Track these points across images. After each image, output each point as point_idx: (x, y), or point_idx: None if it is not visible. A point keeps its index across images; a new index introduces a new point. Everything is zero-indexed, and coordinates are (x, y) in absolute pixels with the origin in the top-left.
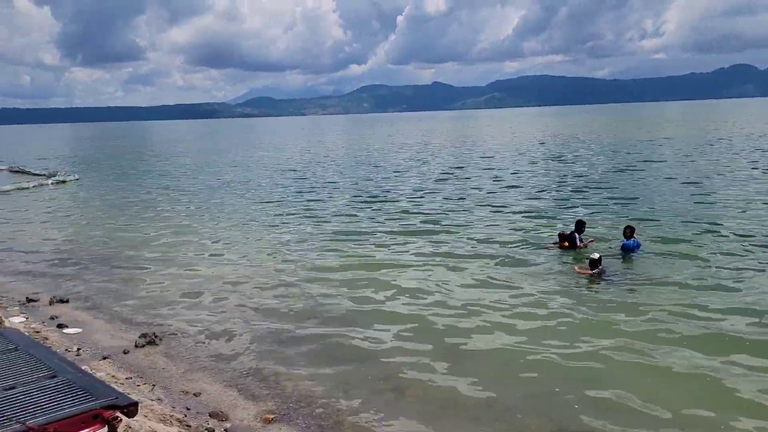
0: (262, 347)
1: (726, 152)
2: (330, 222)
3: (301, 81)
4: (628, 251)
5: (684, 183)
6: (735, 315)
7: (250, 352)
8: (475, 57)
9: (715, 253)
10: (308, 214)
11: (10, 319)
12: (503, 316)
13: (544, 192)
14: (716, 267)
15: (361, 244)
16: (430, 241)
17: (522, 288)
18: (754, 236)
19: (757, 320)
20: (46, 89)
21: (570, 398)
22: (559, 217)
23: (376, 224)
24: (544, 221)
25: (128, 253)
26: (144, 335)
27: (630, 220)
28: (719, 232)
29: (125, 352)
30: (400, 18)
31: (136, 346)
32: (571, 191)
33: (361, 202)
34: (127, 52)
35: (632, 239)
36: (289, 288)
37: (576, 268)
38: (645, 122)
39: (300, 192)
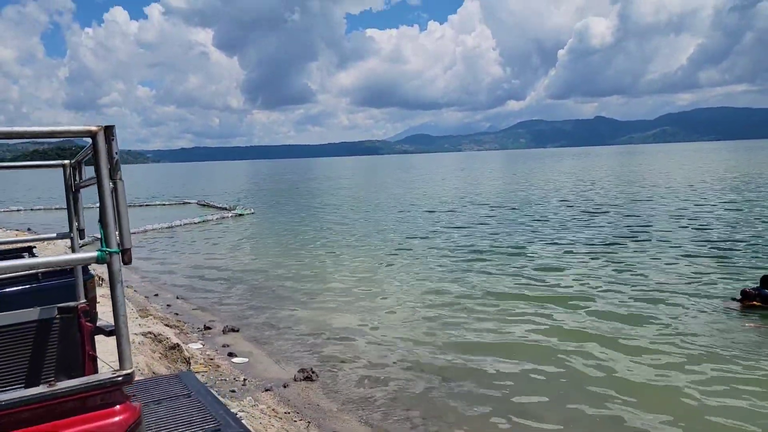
0: (414, 394)
1: None
2: (491, 259)
3: (458, 118)
4: None
5: None
6: None
7: (401, 397)
8: (643, 89)
9: None
10: (461, 256)
11: (189, 345)
12: (670, 387)
13: (720, 240)
14: None
15: (524, 287)
16: (589, 288)
17: (693, 352)
18: None
19: None
20: (231, 130)
21: None
22: (740, 271)
23: (533, 271)
24: (716, 275)
25: (293, 285)
26: (302, 370)
27: None
28: None
29: (285, 386)
30: (561, 52)
31: (295, 380)
32: (756, 240)
33: (522, 242)
34: (300, 96)
35: None
36: (443, 334)
37: (762, 323)
38: None
39: (453, 229)
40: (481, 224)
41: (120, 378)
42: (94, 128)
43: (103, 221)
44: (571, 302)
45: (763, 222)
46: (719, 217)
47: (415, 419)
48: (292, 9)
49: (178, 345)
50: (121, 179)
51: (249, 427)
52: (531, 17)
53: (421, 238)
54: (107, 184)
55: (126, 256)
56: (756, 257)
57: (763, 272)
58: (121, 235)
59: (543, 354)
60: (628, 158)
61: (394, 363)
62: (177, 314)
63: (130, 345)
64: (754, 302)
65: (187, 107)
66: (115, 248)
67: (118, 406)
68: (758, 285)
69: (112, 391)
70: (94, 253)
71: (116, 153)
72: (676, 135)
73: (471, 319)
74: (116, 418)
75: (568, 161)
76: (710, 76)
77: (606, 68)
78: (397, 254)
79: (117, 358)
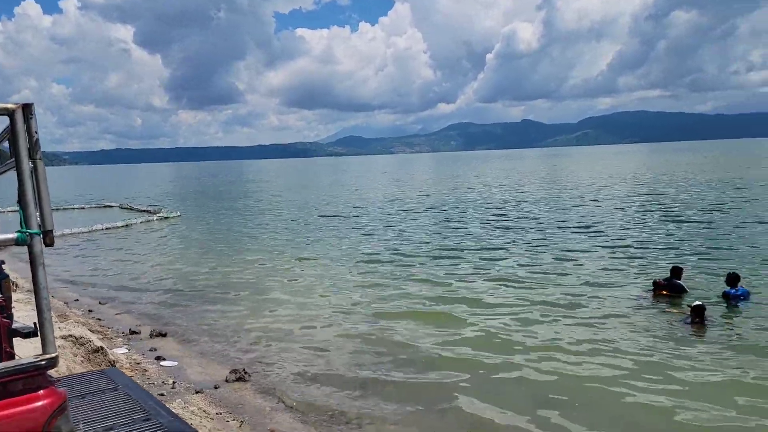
0: (347, 390)
1: None
2: (415, 262)
3: (390, 120)
4: (730, 300)
5: None
6: None
7: (335, 393)
8: (567, 93)
9: None
10: (386, 259)
11: (114, 350)
12: (594, 367)
13: (632, 237)
14: None
15: (445, 288)
16: (513, 286)
17: (613, 338)
18: None
19: None
20: (154, 131)
21: None
22: (651, 263)
23: (459, 266)
24: (634, 268)
25: (222, 288)
26: (234, 371)
27: (733, 267)
28: None
29: (216, 387)
30: (489, 56)
31: (227, 381)
32: (664, 235)
33: (443, 245)
34: (228, 96)
35: (737, 287)
36: (377, 329)
37: (679, 309)
38: (754, 160)
39: (379, 232)
40: (406, 226)
41: (43, 362)
42: (11, 106)
43: (22, 202)
44: (493, 304)
45: (673, 220)
46: (634, 216)
47: (350, 415)
48: (218, 6)
49: (102, 348)
50: (41, 158)
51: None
52: (460, 21)
53: (348, 240)
54: (27, 164)
55: (48, 237)
56: (668, 251)
57: (672, 265)
58: (42, 216)
59: (469, 355)
60: (553, 160)
61: (327, 361)
62: (100, 320)
63: (53, 329)
64: (664, 291)
65: (107, 107)
66: (36, 229)
67: (41, 391)
68: (668, 276)
69: (35, 376)
70: (14, 234)
71: (36, 132)
72: (598, 138)
73: (398, 319)
74: (39, 403)
75: (496, 163)
76: (628, 81)
77: (532, 73)
78: (323, 256)
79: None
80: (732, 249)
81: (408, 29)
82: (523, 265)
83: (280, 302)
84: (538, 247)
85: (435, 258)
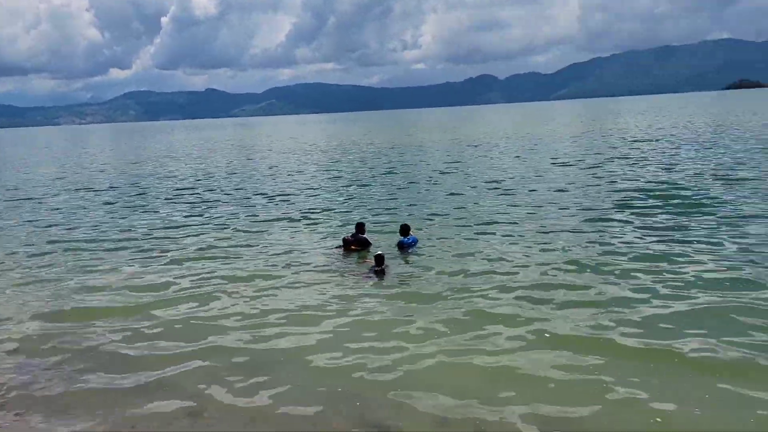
0: (32, 382)
1: (485, 154)
2: (91, 249)
3: (51, 86)
4: (404, 247)
5: (455, 183)
6: (502, 298)
7: (22, 394)
8: (249, 63)
9: (480, 246)
10: (61, 243)
11: None
12: (297, 323)
13: (318, 201)
14: (482, 258)
15: (129, 275)
16: (206, 263)
17: (312, 294)
18: (521, 226)
19: (513, 299)
20: None
21: (370, 397)
22: (337, 222)
23: (145, 250)
24: (324, 229)
25: None
26: None
27: (405, 219)
28: (478, 225)
29: None
30: (164, 19)
31: None
32: (346, 197)
33: (124, 228)
34: None
35: (408, 236)
36: (53, 318)
37: (366, 260)
38: (412, 129)
39: (45, 216)
40: (79, 209)
41: None
42: None
43: None
44: (185, 286)
45: (353, 183)
46: (318, 182)
47: (32, 423)
48: None
49: None
50: None
51: None
52: None
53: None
54: None
55: None
56: (350, 210)
57: (356, 222)
58: None
59: (170, 322)
60: (240, 130)
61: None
62: None
63: None
64: (353, 246)
65: None
66: None
67: None
68: (354, 232)
69: None
70: None
71: None
72: (282, 108)
73: (69, 302)
74: None
75: (181, 135)
76: (305, 54)
77: (213, 40)
78: None
79: None
80: (403, 204)
81: None
82: (214, 240)
83: None
84: (230, 220)
85: (114, 243)
